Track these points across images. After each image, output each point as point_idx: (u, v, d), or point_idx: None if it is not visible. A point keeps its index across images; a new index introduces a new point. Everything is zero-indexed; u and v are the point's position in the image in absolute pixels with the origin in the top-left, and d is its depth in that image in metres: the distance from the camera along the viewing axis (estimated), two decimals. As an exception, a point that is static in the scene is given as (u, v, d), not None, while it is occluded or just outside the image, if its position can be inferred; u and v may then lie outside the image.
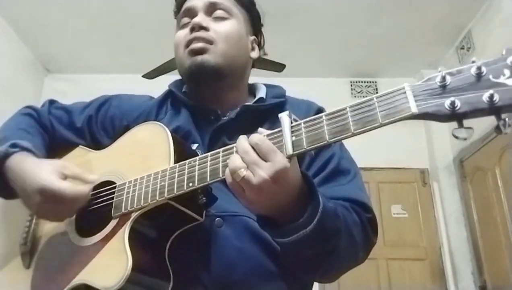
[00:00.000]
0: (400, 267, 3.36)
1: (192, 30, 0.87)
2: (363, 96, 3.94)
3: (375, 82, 3.96)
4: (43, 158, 0.83)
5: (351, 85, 3.98)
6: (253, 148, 0.61)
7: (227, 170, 0.62)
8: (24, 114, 0.95)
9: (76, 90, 3.68)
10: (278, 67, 2.91)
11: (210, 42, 0.86)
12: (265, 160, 0.60)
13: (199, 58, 0.85)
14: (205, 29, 0.87)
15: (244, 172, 0.60)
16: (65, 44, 3.61)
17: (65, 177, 0.76)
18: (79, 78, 3.86)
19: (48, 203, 0.73)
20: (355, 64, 3.81)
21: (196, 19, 0.87)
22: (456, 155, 3.47)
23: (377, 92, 3.94)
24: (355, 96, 3.94)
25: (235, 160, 0.61)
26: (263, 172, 0.59)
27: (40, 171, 0.75)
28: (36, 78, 3.88)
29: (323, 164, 0.83)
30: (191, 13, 0.90)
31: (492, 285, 3.01)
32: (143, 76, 3.07)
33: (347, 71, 3.91)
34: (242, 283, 0.74)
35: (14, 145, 0.81)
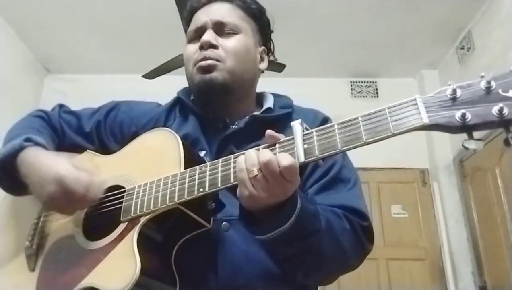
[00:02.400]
0: (400, 267, 3.36)
1: (201, 48, 0.89)
2: (363, 96, 3.94)
3: (375, 82, 3.96)
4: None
5: (351, 85, 3.98)
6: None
7: (242, 164, 0.64)
8: (35, 116, 0.97)
9: (76, 90, 3.68)
10: (278, 67, 2.91)
11: (218, 60, 0.88)
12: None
13: (208, 76, 0.87)
14: (214, 47, 0.88)
15: (258, 173, 0.62)
16: (65, 44, 3.61)
17: (79, 170, 0.76)
18: (79, 78, 3.86)
19: (63, 193, 0.73)
20: (355, 64, 3.81)
21: (205, 37, 0.89)
22: (456, 155, 3.47)
23: (377, 92, 3.97)
24: (355, 96, 3.94)
25: (252, 159, 0.63)
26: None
27: (57, 162, 0.77)
28: (36, 78, 3.88)
29: (325, 171, 0.84)
30: (200, 29, 0.92)
31: (492, 285, 3.01)
32: (143, 76, 3.07)
33: (347, 71, 3.91)
34: (248, 287, 0.75)
35: (28, 139, 0.83)
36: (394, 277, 3.34)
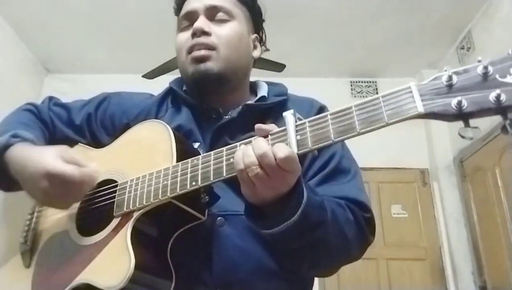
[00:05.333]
0: (400, 267, 3.36)
1: (194, 35, 0.86)
2: (363, 96, 3.94)
3: (375, 82, 3.97)
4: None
5: (351, 85, 3.98)
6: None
7: (240, 164, 0.61)
8: (25, 110, 0.95)
9: (76, 90, 3.66)
10: (278, 67, 2.91)
11: (212, 48, 0.85)
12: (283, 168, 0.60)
13: (202, 66, 0.84)
14: (207, 34, 0.86)
15: (259, 171, 0.60)
16: (65, 44, 3.61)
17: (67, 162, 0.74)
18: (79, 78, 3.85)
19: (55, 187, 0.72)
20: (355, 64, 3.81)
21: (198, 24, 0.86)
22: (456, 155, 3.47)
23: (377, 92, 3.97)
24: (355, 96, 3.94)
25: (250, 157, 0.61)
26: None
27: (43, 157, 0.74)
28: (36, 78, 3.88)
29: (324, 163, 0.83)
30: (192, 16, 0.89)
31: (492, 285, 3.01)
32: (143, 76, 3.07)
33: (347, 71, 3.91)
34: (243, 282, 0.74)
35: (15, 136, 0.81)
36: (394, 277, 3.33)
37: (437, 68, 3.79)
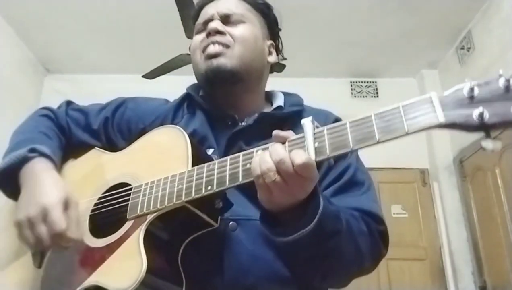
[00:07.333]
0: (400, 267, 3.36)
1: (208, 34, 0.89)
2: (363, 96, 3.94)
3: (375, 82, 3.97)
4: (60, 165, 0.84)
5: (351, 85, 3.98)
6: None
7: (257, 170, 0.61)
8: (42, 116, 0.96)
9: (76, 90, 3.67)
10: (278, 67, 2.90)
11: (226, 45, 0.87)
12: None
13: (215, 62, 0.86)
14: (222, 33, 0.88)
15: (276, 177, 0.60)
16: (65, 44, 3.61)
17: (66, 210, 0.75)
18: (79, 78, 3.86)
19: (40, 222, 0.72)
20: (355, 64, 3.81)
21: (212, 24, 0.89)
22: (456, 155, 3.47)
23: (377, 92, 3.97)
24: (355, 96, 3.94)
25: (267, 163, 0.60)
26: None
27: (52, 189, 0.76)
28: (36, 78, 3.88)
29: (339, 174, 0.83)
30: (207, 21, 0.92)
31: (492, 285, 3.01)
32: (143, 76, 3.07)
33: (347, 71, 3.91)
34: (254, 288, 0.74)
35: (33, 150, 0.82)
36: (394, 277, 3.33)
37: (437, 68, 3.79)
